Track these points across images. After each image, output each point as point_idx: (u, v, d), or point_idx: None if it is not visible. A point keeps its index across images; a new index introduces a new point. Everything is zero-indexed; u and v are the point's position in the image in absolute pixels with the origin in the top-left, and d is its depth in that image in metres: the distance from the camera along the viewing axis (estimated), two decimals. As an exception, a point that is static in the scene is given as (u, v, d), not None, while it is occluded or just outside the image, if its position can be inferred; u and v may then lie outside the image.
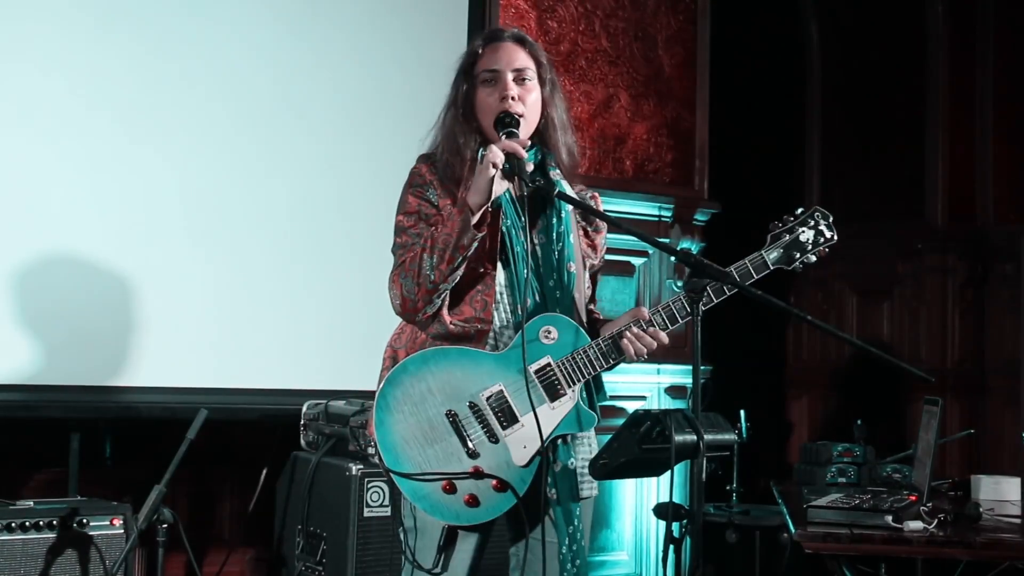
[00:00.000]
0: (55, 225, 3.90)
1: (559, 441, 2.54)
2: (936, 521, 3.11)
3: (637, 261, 5.34)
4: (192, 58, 4.14)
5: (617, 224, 2.60)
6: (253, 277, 4.22)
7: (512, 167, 2.43)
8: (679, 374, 5.34)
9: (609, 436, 4.27)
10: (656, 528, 5.17)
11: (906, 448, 4.36)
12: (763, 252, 2.58)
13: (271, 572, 4.33)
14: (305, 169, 4.33)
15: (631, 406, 4.99)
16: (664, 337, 2.53)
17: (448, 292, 2.50)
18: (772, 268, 2.59)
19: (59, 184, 3.91)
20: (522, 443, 2.48)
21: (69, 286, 3.91)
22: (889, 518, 3.04)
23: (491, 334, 2.54)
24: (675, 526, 4.55)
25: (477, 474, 2.45)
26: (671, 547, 4.26)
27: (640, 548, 5.24)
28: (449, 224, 2.45)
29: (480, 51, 2.62)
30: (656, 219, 5.38)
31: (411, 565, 2.55)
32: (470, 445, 2.46)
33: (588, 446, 2.65)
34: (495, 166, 2.41)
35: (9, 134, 3.85)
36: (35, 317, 3.85)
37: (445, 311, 2.52)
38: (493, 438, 2.48)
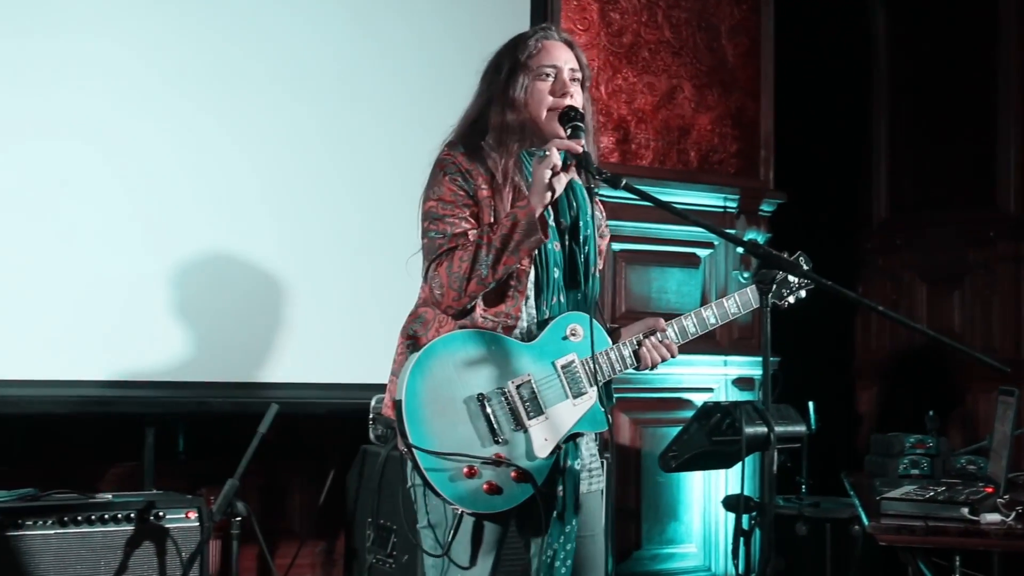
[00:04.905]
0: (128, 222, 3.97)
1: (570, 440, 2.56)
2: (1014, 514, 3.06)
3: (703, 253, 5.31)
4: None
5: (684, 216, 2.59)
6: (322, 273, 4.26)
7: (580, 161, 2.45)
8: (746, 365, 5.30)
9: (678, 428, 4.24)
10: (725, 520, 5.14)
11: (977, 440, 4.29)
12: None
13: (342, 564, 4.38)
14: (371, 162, 4.35)
15: (698, 398, 4.97)
16: (676, 350, 2.61)
17: None
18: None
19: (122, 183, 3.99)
20: (543, 435, 2.49)
21: (145, 284, 3.98)
22: (965, 510, 2.99)
23: (517, 330, 2.55)
24: (744, 518, 4.52)
25: (502, 461, 2.43)
26: (741, 540, 4.23)
27: (709, 540, 5.22)
28: (509, 225, 2.45)
29: (538, 46, 2.61)
30: (721, 210, 5.34)
31: (443, 563, 2.50)
32: (497, 431, 2.46)
33: (589, 446, 2.67)
34: (554, 168, 2.43)
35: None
36: (112, 316, 3.92)
37: (479, 303, 2.53)
38: (519, 427, 2.48)
